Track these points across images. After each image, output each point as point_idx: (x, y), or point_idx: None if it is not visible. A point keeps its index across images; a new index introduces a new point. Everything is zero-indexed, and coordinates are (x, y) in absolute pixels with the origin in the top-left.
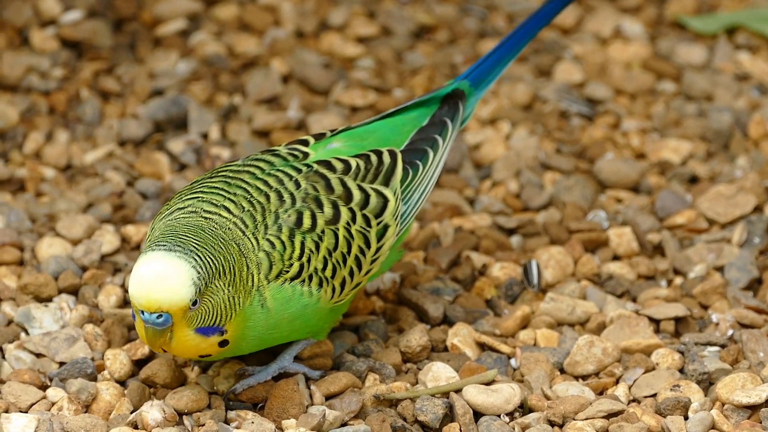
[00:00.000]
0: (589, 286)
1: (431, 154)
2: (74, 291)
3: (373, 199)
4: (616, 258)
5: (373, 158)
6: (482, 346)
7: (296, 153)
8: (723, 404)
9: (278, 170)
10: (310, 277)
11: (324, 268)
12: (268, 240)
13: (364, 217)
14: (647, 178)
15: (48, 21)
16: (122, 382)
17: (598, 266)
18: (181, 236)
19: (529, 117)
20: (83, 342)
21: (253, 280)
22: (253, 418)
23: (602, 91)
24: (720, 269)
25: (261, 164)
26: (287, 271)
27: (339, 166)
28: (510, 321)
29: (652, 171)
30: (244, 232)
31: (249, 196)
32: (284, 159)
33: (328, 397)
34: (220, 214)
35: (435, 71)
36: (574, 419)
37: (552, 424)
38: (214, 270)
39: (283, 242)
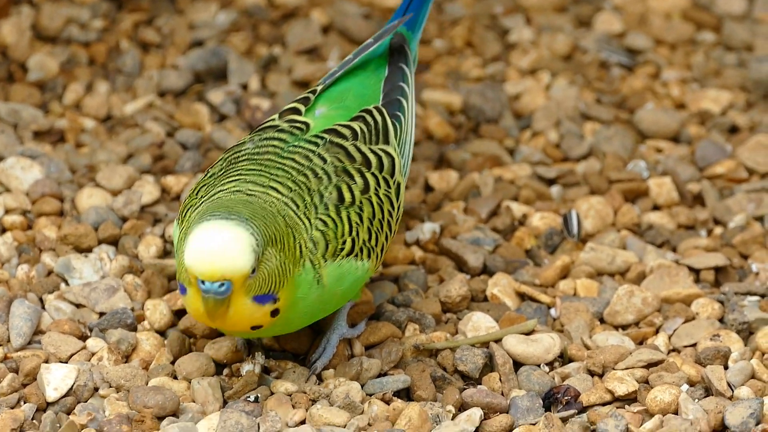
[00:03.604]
0: (629, 235)
1: (405, 103)
2: (114, 241)
3: (385, 160)
4: (656, 208)
5: (369, 119)
6: (522, 296)
7: (299, 126)
8: (763, 354)
9: (298, 147)
10: (361, 250)
11: (369, 239)
12: (320, 219)
13: (384, 179)
14: (687, 128)
15: None
16: (162, 333)
17: (638, 216)
18: (231, 207)
19: (569, 67)
20: (123, 292)
21: (301, 251)
22: (293, 368)
23: (642, 41)
24: (760, 219)
25: (276, 143)
26: (342, 249)
27: (347, 132)
28: (550, 271)
29: (692, 121)
30: (296, 213)
31: (291, 176)
32: (291, 134)
33: (368, 347)
34: (267, 194)
35: (475, 22)
36: (613, 369)
37: (592, 373)
38: (267, 238)
39: (333, 220)
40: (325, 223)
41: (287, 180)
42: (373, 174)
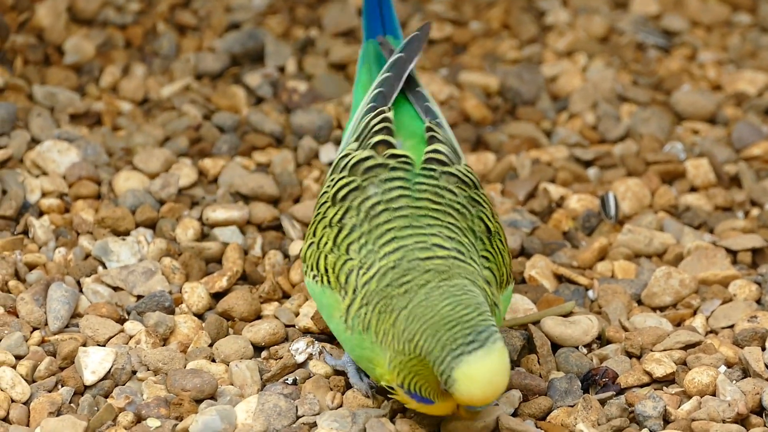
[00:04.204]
0: (666, 217)
1: (435, 108)
2: (152, 224)
3: (474, 177)
4: (693, 189)
5: (440, 136)
6: (560, 278)
7: (405, 160)
8: None
9: (422, 184)
10: (509, 274)
11: (509, 259)
12: (483, 257)
13: (484, 195)
14: (724, 110)
15: None
16: (200, 316)
17: (675, 198)
18: (484, 312)
19: (605, 49)
20: (161, 275)
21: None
22: (331, 351)
23: (678, 23)
24: None
25: (400, 184)
26: (503, 279)
27: (444, 158)
28: (587, 253)
29: (729, 102)
30: (465, 261)
31: (441, 222)
32: (405, 170)
33: None
34: (448, 257)
35: (511, 4)
36: (651, 350)
37: (630, 355)
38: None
39: (492, 253)
40: (487, 258)
41: (441, 228)
42: (481, 194)
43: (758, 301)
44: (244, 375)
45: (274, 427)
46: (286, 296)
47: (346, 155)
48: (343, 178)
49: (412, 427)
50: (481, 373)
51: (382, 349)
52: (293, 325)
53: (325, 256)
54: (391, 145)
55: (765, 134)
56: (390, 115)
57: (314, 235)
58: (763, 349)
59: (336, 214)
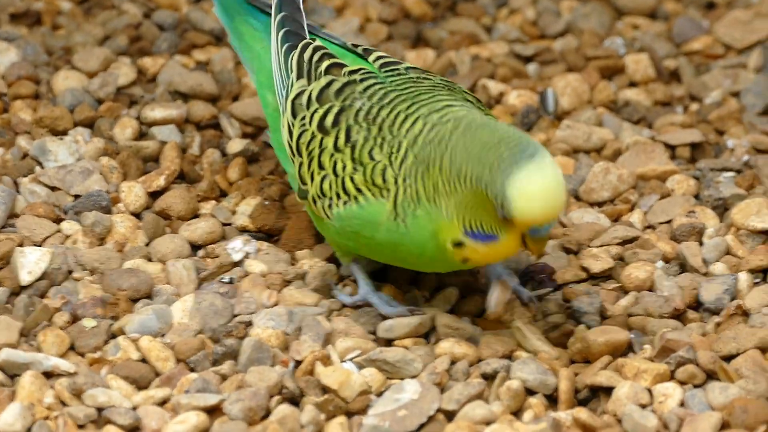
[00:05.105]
0: (605, 112)
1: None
2: (90, 124)
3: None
4: (632, 84)
5: (372, 51)
6: None
7: (368, 70)
8: (738, 230)
9: (399, 79)
10: None
11: None
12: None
13: None
14: (664, 4)
15: None
16: (137, 215)
17: (614, 93)
18: (524, 133)
19: None
20: (98, 175)
21: None
22: (267, 249)
23: None
24: (736, 95)
25: (379, 86)
26: None
27: (394, 59)
28: None
29: None
30: (480, 109)
31: (438, 94)
32: (374, 77)
33: None
34: (453, 109)
35: None
36: (589, 246)
37: (567, 251)
38: None
39: (492, 118)
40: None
41: (441, 97)
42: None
43: (696, 196)
44: (181, 274)
45: (210, 325)
46: (224, 194)
47: (301, 93)
48: (317, 110)
49: (348, 325)
50: (536, 185)
51: (438, 208)
52: (230, 224)
53: (351, 178)
54: (343, 65)
55: (705, 29)
56: (320, 42)
57: (323, 168)
58: (701, 244)
59: (338, 138)
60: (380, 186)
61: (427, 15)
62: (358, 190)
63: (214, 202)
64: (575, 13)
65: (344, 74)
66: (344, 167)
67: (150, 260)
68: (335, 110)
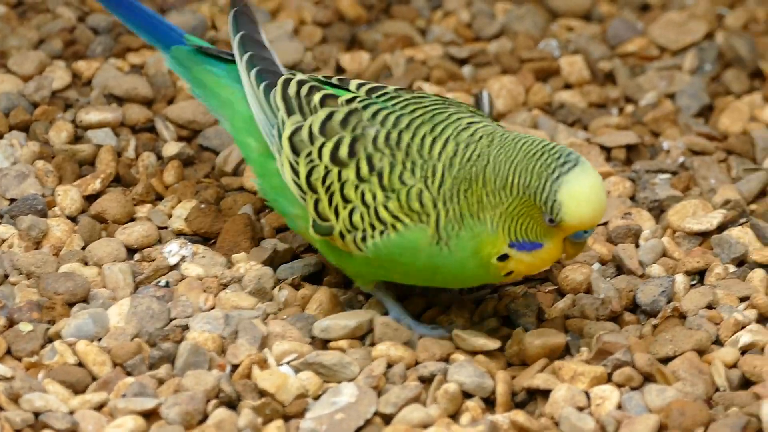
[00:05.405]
0: (540, 115)
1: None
2: (25, 127)
3: None
4: (567, 86)
5: (346, 79)
6: None
7: (364, 97)
8: (674, 231)
9: (400, 101)
10: None
11: None
12: None
13: None
14: (598, 6)
15: None
16: (73, 218)
17: (549, 95)
18: (565, 149)
19: None
20: (34, 178)
21: None
22: (204, 252)
23: None
24: (671, 96)
25: (385, 111)
26: None
27: (375, 83)
28: None
29: None
30: (500, 125)
31: (453, 112)
32: (373, 102)
33: (279, 230)
34: (479, 126)
35: None
36: None
37: None
38: None
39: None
40: None
41: (458, 114)
42: None
43: (632, 198)
44: (117, 278)
45: (147, 329)
46: (160, 198)
47: (298, 128)
48: (325, 143)
49: (285, 329)
50: (585, 189)
51: (482, 223)
52: (166, 227)
53: (384, 206)
54: (335, 95)
55: (640, 31)
56: (302, 76)
57: (348, 200)
58: (637, 246)
59: (360, 168)
60: (418, 211)
61: (362, 17)
62: (395, 217)
63: (150, 205)
64: (509, 16)
65: (342, 104)
66: (374, 196)
67: (86, 264)
68: (347, 141)
